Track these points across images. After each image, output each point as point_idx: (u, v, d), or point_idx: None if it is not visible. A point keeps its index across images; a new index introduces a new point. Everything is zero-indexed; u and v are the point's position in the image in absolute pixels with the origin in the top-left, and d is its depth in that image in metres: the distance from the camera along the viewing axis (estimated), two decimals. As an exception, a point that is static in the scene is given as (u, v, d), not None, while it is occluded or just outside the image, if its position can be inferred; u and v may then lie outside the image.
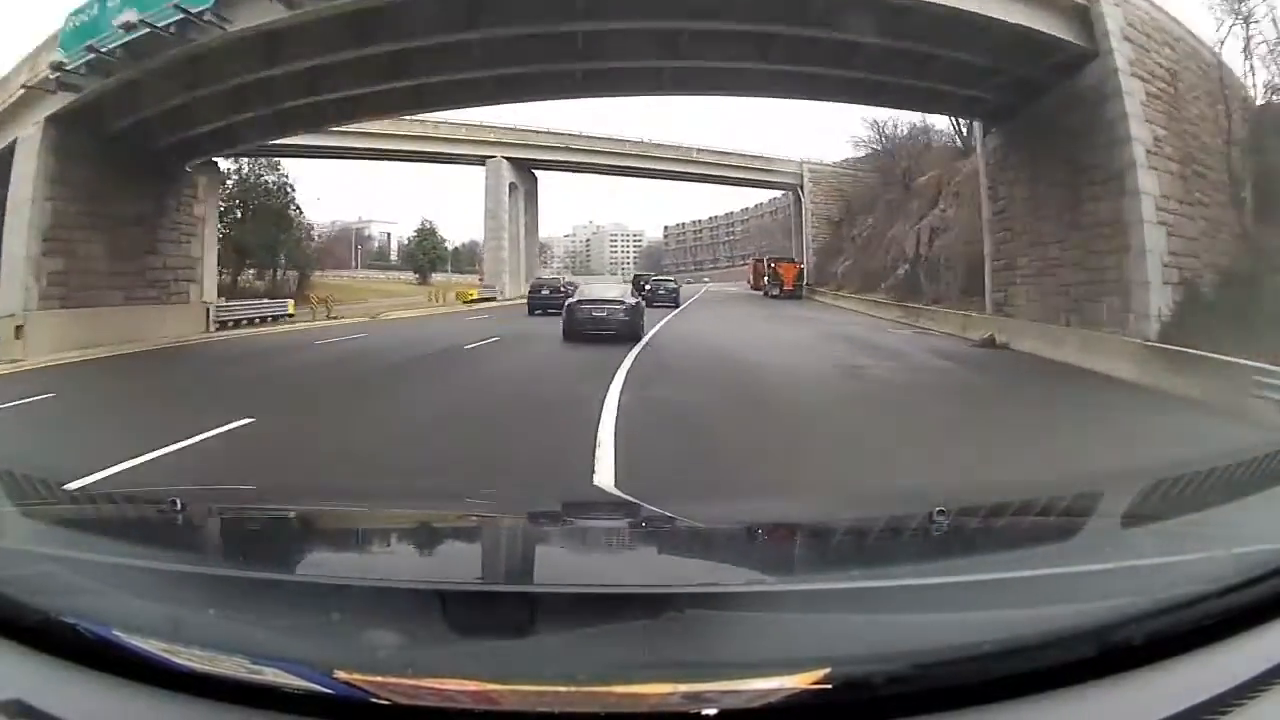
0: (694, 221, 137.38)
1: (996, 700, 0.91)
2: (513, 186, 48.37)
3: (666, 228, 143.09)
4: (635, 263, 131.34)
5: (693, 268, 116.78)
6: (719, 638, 1.00)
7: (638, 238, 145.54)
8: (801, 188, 51.63)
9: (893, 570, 1.39)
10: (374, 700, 0.89)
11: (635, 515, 1.86)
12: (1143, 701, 0.93)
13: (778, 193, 79.86)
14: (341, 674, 0.90)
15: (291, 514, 1.96)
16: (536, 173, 52.33)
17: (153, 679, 0.95)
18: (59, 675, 0.99)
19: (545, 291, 27.91)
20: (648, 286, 34.33)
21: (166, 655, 0.95)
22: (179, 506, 1.57)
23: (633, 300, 17.51)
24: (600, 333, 15.74)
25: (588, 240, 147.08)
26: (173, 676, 0.94)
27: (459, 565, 1.52)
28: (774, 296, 42.01)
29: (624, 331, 15.83)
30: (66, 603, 1.06)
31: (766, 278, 46.42)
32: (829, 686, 0.88)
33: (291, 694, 0.91)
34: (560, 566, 1.52)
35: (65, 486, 2.47)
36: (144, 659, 0.95)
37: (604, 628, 0.98)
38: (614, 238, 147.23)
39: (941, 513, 1.48)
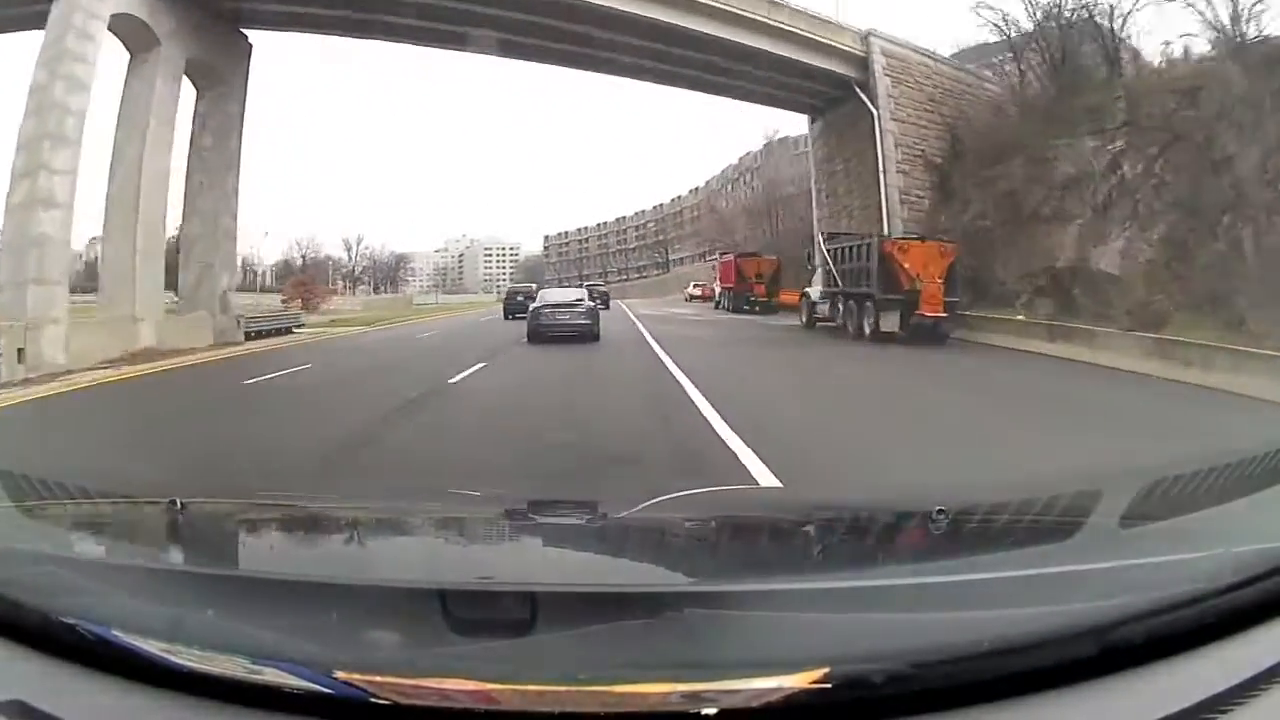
0: (578, 230, 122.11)
1: (996, 700, 0.91)
2: (143, 33, 18.44)
3: (547, 237, 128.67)
4: (512, 278, 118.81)
5: (578, 282, 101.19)
6: (719, 638, 1.00)
7: (514, 250, 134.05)
8: (869, 85, 25.27)
9: (893, 570, 1.40)
10: (374, 700, 0.89)
11: (636, 514, 1.86)
12: (1143, 701, 0.93)
13: (728, 160, 72.70)
14: (341, 674, 0.90)
15: (291, 514, 1.96)
16: (251, 32, 22.91)
17: (153, 679, 0.95)
18: (59, 675, 0.99)
19: (520, 297, 31.37)
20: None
21: (166, 655, 0.95)
22: (179, 506, 1.57)
23: (590, 303, 19.06)
24: (562, 334, 17.12)
25: (460, 255, 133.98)
26: (173, 676, 0.94)
27: (459, 564, 1.52)
28: (884, 336, 17.69)
29: (584, 332, 17.25)
30: (66, 603, 1.06)
31: (830, 288, 21.03)
32: (829, 686, 0.88)
33: (291, 694, 0.91)
34: (560, 566, 1.53)
35: None
36: (144, 659, 0.95)
37: (604, 627, 0.98)
38: (489, 251, 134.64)
39: (941, 512, 1.48)
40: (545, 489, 4.80)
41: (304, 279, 75.33)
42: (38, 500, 1.80)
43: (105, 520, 1.79)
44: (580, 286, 38.59)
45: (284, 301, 65.09)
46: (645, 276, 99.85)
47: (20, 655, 1.02)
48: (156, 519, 1.68)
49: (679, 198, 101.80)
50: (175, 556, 1.46)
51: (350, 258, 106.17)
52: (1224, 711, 0.92)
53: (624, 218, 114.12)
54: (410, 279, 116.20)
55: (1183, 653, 0.99)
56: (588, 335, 17.23)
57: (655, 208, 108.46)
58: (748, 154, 76.22)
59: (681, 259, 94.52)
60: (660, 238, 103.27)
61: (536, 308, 18.59)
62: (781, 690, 0.88)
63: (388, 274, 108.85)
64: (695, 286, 50.57)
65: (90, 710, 0.95)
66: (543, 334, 17.18)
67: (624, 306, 37.42)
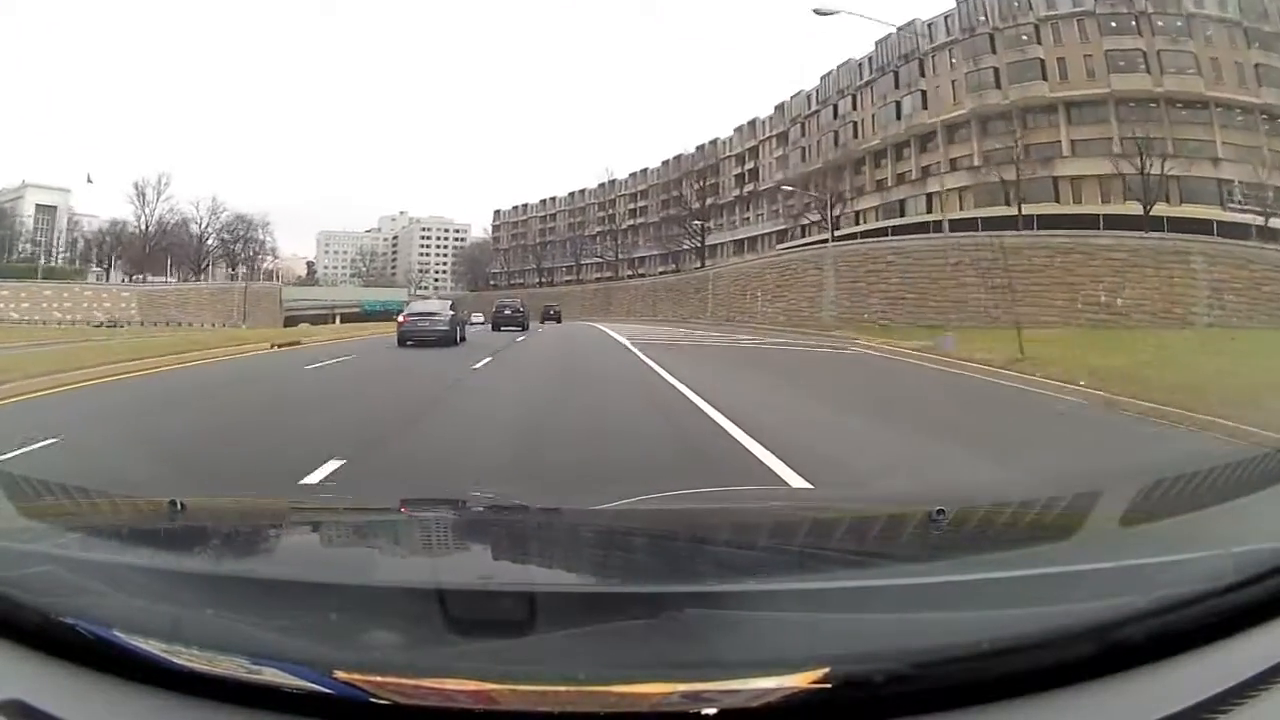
0: (543, 202, 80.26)
1: (996, 700, 0.91)
2: None
3: (498, 213, 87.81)
4: (453, 270, 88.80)
5: (537, 281, 65.71)
6: (719, 638, 1.00)
7: (459, 233, 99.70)
8: None
9: (893, 570, 1.39)
10: (374, 700, 0.89)
11: (635, 514, 1.86)
12: (1143, 701, 0.93)
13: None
14: (341, 674, 0.90)
15: (292, 514, 1.96)
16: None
17: (153, 679, 0.95)
18: (59, 675, 0.99)
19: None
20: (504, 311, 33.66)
21: (166, 655, 0.95)
22: (179, 507, 1.57)
23: (450, 313, 21.86)
24: (425, 339, 19.96)
25: (394, 237, 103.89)
26: (173, 676, 0.94)
27: (458, 565, 1.52)
28: None
29: (444, 339, 20.15)
30: (66, 603, 1.06)
31: None
32: (828, 686, 0.88)
33: (291, 694, 0.91)
34: (560, 566, 1.52)
35: None
36: (144, 659, 0.95)
37: (604, 628, 0.98)
38: (426, 232, 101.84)
39: (941, 512, 1.48)
40: (545, 490, 4.80)
41: None
42: (37, 500, 1.80)
43: (105, 520, 1.79)
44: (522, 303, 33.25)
45: None
46: (643, 274, 63.46)
47: (20, 655, 1.02)
48: (156, 519, 1.68)
49: (714, 142, 60.69)
50: (175, 557, 1.46)
51: (140, 219, 63.84)
52: (1224, 712, 0.92)
53: (614, 182, 72.19)
54: (272, 256, 77.67)
55: (1183, 653, 0.99)
56: (446, 341, 20.03)
57: (667, 163, 66.71)
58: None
59: (727, 245, 56.52)
60: (674, 210, 60.86)
61: (402, 316, 22.05)
62: (781, 690, 0.88)
63: (232, 247, 68.39)
64: None
65: (90, 710, 0.95)
66: (409, 338, 20.26)
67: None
